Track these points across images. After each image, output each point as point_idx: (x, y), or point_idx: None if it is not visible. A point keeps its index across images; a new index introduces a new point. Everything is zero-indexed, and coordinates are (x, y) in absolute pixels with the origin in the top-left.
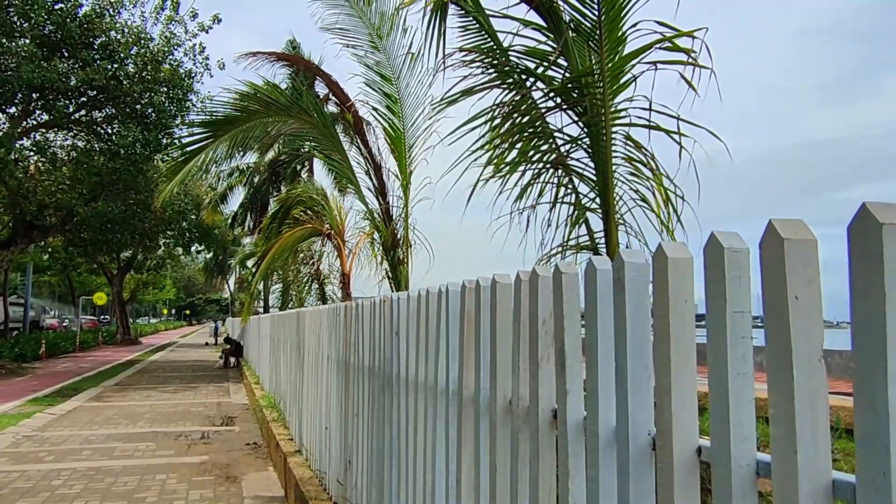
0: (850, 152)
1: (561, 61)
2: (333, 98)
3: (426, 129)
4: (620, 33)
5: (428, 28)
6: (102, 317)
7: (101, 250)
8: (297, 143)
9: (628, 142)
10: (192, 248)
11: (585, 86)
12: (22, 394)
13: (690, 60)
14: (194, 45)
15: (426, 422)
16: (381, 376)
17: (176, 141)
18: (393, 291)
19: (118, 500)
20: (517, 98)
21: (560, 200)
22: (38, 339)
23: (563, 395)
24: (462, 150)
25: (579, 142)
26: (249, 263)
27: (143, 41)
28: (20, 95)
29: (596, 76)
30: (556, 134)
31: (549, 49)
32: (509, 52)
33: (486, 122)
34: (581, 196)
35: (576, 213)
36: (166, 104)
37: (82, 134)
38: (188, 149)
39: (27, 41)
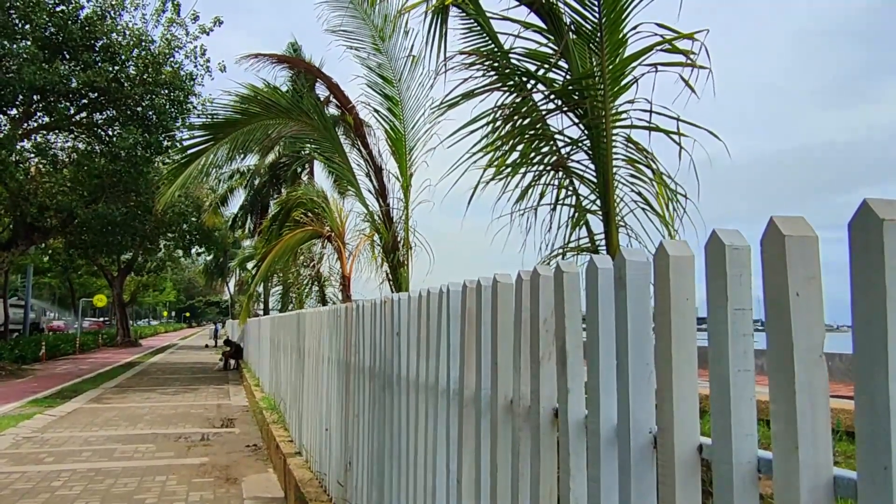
0: (852, 155)
1: (562, 63)
2: (334, 100)
3: (427, 132)
4: (621, 35)
5: (429, 31)
6: (103, 319)
7: (102, 252)
8: (297, 146)
9: (629, 143)
10: (193, 251)
11: (586, 88)
12: (22, 395)
13: (690, 62)
14: (195, 47)
15: (427, 422)
16: (381, 377)
17: (177, 143)
18: (393, 293)
19: (118, 501)
20: (518, 100)
21: (561, 202)
22: (38, 340)
23: (565, 393)
24: (462, 153)
25: (580, 144)
26: (249, 266)
27: (144, 43)
28: (21, 97)
29: (596, 78)
30: (556, 136)
31: (550, 51)
32: (510, 55)
33: (486, 125)
34: (582, 198)
35: (576, 214)
36: (167, 106)
37: (83, 136)
38: (189, 152)
39: (29, 43)
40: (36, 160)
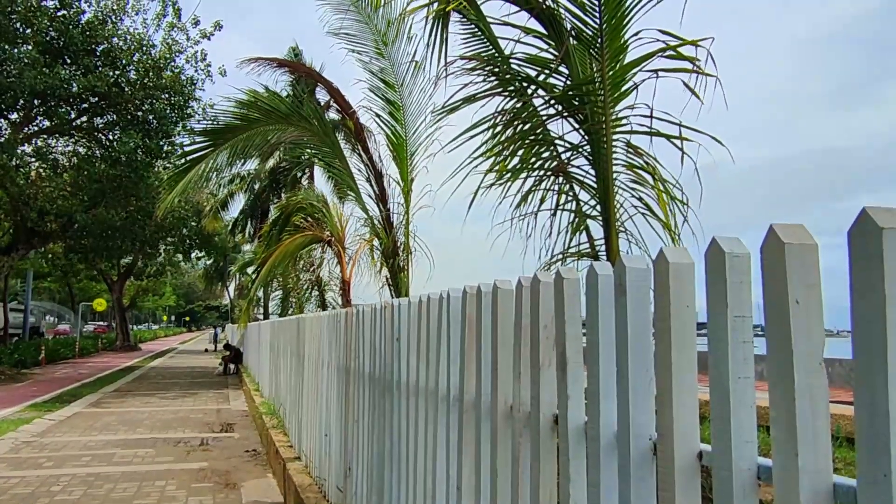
0: (852, 161)
1: (562, 69)
2: (335, 105)
3: (428, 137)
4: (622, 42)
5: (430, 36)
6: (105, 323)
7: (102, 257)
8: (297, 151)
9: (629, 149)
10: (193, 255)
11: (586, 94)
12: (21, 399)
13: (695, 69)
14: (196, 51)
15: (427, 427)
16: (381, 382)
17: (177, 148)
18: (393, 298)
19: None
20: (518, 105)
21: (561, 208)
22: (38, 345)
23: (565, 399)
24: (463, 158)
25: (580, 149)
26: (249, 270)
27: (145, 48)
28: (22, 101)
29: (597, 84)
30: (557, 141)
31: (551, 57)
32: (511, 60)
33: (487, 130)
34: (582, 203)
35: (577, 220)
36: (168, 111)
37: (84, 140)
38: (189, 158)
39: (30, 48)
40: (36, 164)
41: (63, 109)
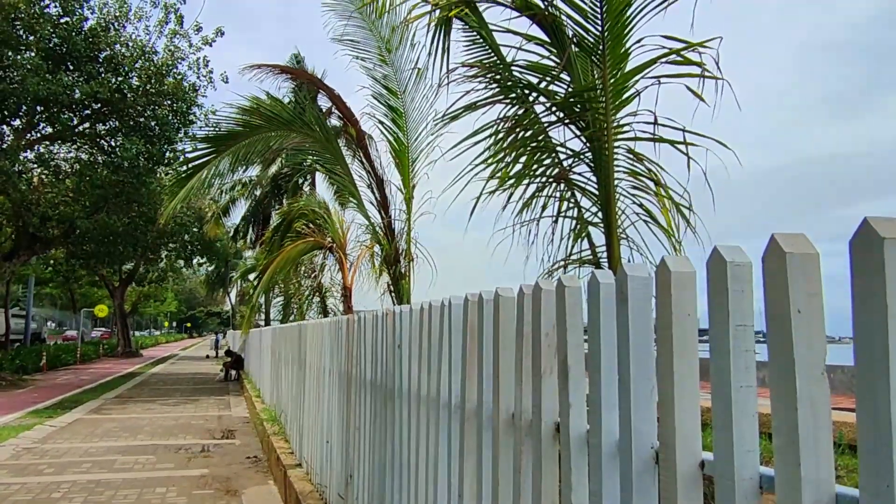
0: (854, 168)
1: (564, 76)
2: (336, 112)
3: (429, 144)
4: (624, 49)
5: (432, 42)
6: (104, 328)
7: (104, 263)
8: (299, 157)
9: (631, 155)
10: (194, 261)
11: (588, 101)
12: (22, 406)
13: (701, 73)
14: (198, 58)
15: (428, 435)
16: (383, 389)
17: (179, 154)
18: (395, 305)
19: None
20: (520, 112)
21: (563, 215)
22: (39, 351)
23: (566, 408)
24: (464, 165)
25: (582, 156)
26: (251, 276)
27: (147, 55)
28: (25, 108)
29: (598, 91)
30: (558, 148)
31: (552, 64)
32: (512, 67)
33: (489, 137)
34: (584, 210)
35: (578, 227)
36: (170, 117)
37: (86, 146)
38: (191, 164)
39: (33, 54)
40: (38, 170)
41: (65, 116)
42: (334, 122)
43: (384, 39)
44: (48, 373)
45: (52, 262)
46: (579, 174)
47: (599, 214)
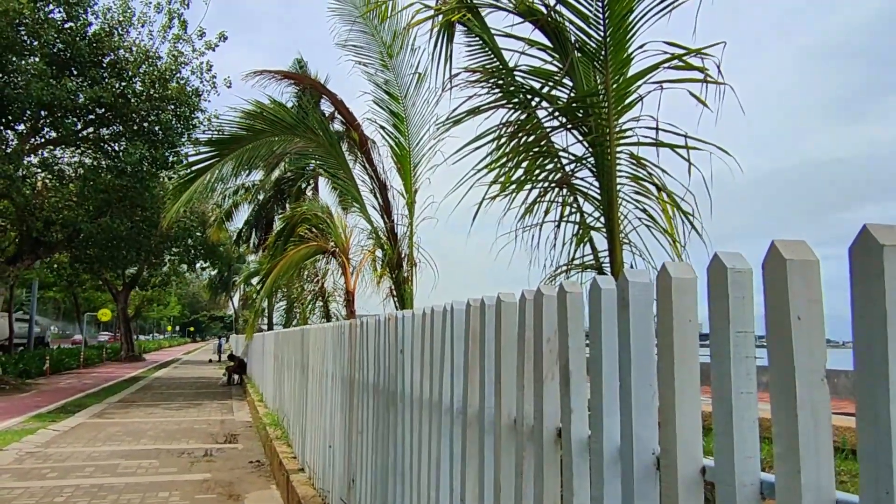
0: (855, 173)
1: (566, 81)
2: (339, 117)
3: (431, 149)
4: (626, 54)
5: (435, 48)
6: (106, 332)
7: (107, 267)
8: (302, 162)
9: (633, 160)
10: (197, 265)
11: (590, 105)
12: (25, 410)
13: (705, 78)
14: (201, 63)
15: (430, 439)
16: (385, 394)
17: (182, 158)
18: (397, 309)
19: None
20: (522, 117)
21: (565, 219)
22: (43, 355)
23: (568, 413)
24: (467, 170)
25: (584, 161)
26: (254, 281)
27: (150, 59)
28: (29, 113)
29: (601, 96)
30: (560, 153)
31: (555, 69)
32: (514, 72)
33: (491, 141)
34: (586, 215)
35: (581, 232)
36: (173, 122)
37: (90, 151)
38: (194, 168)
39: (37, 59)
40: (42, 175)
41: (69, 120)
42: (337, 126)
43: (386, 45)
44: (51, 377)
45: (55, 266)
46: (582, 179)
47: (602, 219)
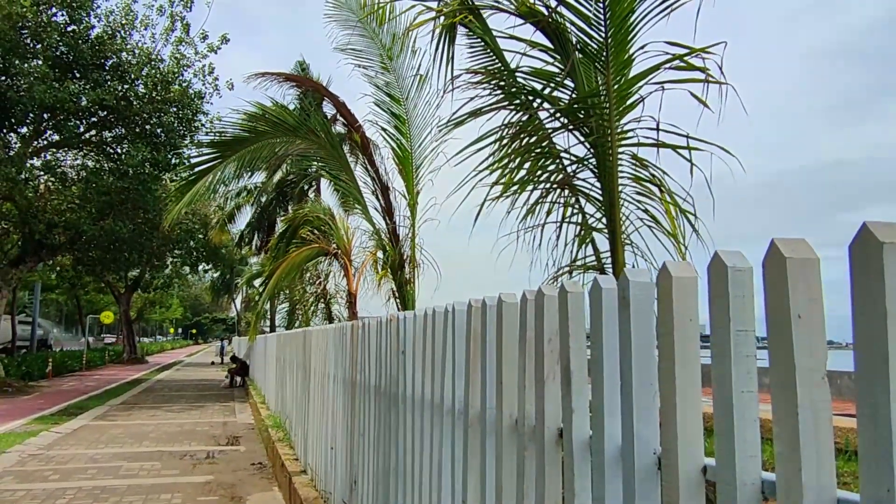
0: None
1: (567, 82)
2: (341, 119)
3: (433, 150)
4: (628, 56)
5: (436, 49)
6: (108, 335)
7: (109, 269)
8: (304, 164)
9: (635, 161)
10: (200, 268)
11: (592, 106)
12: (28, 412)
13: (706, 78)
14: (204, 65)
15: (432, 440)
16: (387, 395)
17: (185, 161)
18: (399, 311)
19: None
20: (524, 118)
21: (567, 220)
22: (45, 357)
23: (569, 413)
24: (468, 171)
25: (586, 162)
26: (256, 283)
27: (153, 62)
28: (32, 115)
29: (602, 97)
30: (562, 154)
31: (556, 70)
32: (516, 73)
33: (493, 143)
34: (588, 216)
35: (582, 232)
36: (175, 124)
37: (92, 154)
38: (196, 169)
39: (40, 62)
40: (45, 178)
41: (72, 123)
42: (339, 128)
43: (386, 48)
44: (54, 379)
45: (58, 268)
46: (583, 180)
47: (604, 220)
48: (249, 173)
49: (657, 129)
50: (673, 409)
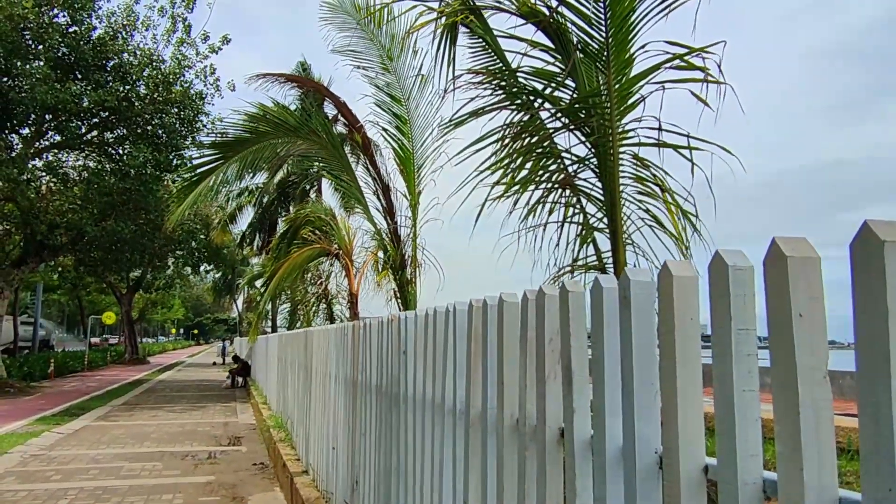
0: (857, 174)
1: (568, 82)
2: (342, 119)
3: (435, 150)
4: (628, 55)
5: (438, 50)
6: (109, 335)
7: (111, 270)
8: (306, 164)
9: (636, 161)
10: (201, 268)
11: (593, 106)
12: (30, 413)
13: (706, 77)
14: (205, 66)
15: (433, 440)
16: (388, 395)
17: (186, 161)
18: (401, 311)
19: None
20: (525, 118)
21: (568, 220)
22: (47, 358)
23: (570, 413)
24: (470, 171)
25: (587, 162)
26: (258, 283)
27: (154, 63)
28: (34, 116)
29: (603, 97)
30: (563, 154)
31: (557, 70)
32: (517, 73)
33: (494, 143)
34: (589, 216)
35: (584, 232)
36: (177, 125)
37: (94, 154)
38: (198, 170)
39: (41, 63)
40: (47, 178)
41: (74, 124)
42: (340, 129)
43: (385, 49)
44: (56, 380)
45: (60, 269)
46: (585, 180)
47: (605, 220)
48: (251, 174)
49: (658, 129)
50: (674, 408)
